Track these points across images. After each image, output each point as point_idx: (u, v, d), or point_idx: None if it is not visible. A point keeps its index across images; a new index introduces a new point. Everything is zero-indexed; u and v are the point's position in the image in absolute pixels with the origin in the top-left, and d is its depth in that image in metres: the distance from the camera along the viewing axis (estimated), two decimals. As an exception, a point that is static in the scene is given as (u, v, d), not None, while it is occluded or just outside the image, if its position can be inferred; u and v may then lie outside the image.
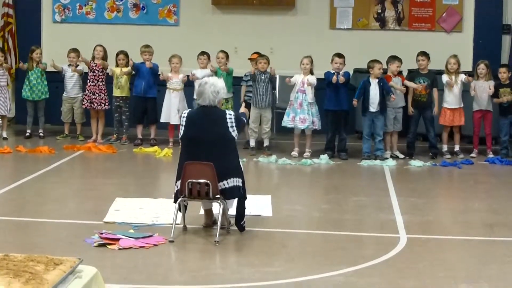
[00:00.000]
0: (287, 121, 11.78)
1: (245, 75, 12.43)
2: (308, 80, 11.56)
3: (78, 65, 13.03)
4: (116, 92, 12.85)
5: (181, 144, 7.46)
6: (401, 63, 11.88)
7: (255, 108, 11.97)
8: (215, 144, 7.16)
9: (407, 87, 11.86)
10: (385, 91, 11.52)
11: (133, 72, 12.77)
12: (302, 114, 11.65)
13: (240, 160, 7.55)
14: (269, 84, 12.00)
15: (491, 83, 11.94)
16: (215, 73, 12.15)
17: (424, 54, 12.06)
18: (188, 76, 12.35)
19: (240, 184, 7.26)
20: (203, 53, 12.53)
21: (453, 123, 12.06)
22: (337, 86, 11.58)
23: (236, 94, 12.55)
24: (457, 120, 12.03)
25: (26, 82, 13.14)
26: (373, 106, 11.55)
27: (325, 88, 11.78)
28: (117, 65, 12.89)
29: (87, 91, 12.90)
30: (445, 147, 12.07)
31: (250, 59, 12.64)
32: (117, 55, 12.89)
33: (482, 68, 11.97)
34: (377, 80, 11.54)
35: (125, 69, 12.77)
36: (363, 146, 11.76)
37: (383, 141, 11.73)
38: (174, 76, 12.53)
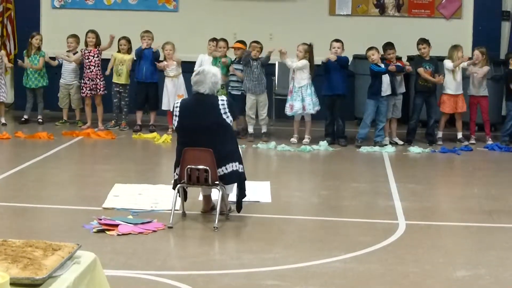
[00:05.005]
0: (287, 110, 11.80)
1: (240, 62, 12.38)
2: (292, 64, 11.55)
3: (76, 52, 12.96)
4: (116, 79, 12.78)
5: (178, 135, 7.42)
6: (394, 48, 11.84)
7: (250, 95, 11.95)
8: (211, 131, 7.16)
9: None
10: (398, 69, 11.63)
11: (135, 58, 12.72)
12: (291, 101, 11.67)
13: (239, 146, 7.59)
14: (262, 69, 11.97)
15: (486, 68, 11.90)
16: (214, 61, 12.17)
17: (425, 41, 12.02)
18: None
19: (239, 169, 7.29)
20: (214, 39, 12.46)
21: (456, 110, 11.98)
22: (331, 70, 11.53)
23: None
24: (459, 107, 11.96)
25: (25, 69, 13.09)
26: (384, 91, 11.54)
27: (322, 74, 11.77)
28: (118, 51, 12.84)
29: (84, 79, 12.84)
30: (439, 134, 12.03)
31: (233, 47, 12.43)
32: (119, 40, 12.84)
33: (476, 54, 11.93)
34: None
35: (127, 57, 12.71)
36: (360, 130, 11.68)
37: (383, 127, 11.72)
38: (170, 63, 12.49)
